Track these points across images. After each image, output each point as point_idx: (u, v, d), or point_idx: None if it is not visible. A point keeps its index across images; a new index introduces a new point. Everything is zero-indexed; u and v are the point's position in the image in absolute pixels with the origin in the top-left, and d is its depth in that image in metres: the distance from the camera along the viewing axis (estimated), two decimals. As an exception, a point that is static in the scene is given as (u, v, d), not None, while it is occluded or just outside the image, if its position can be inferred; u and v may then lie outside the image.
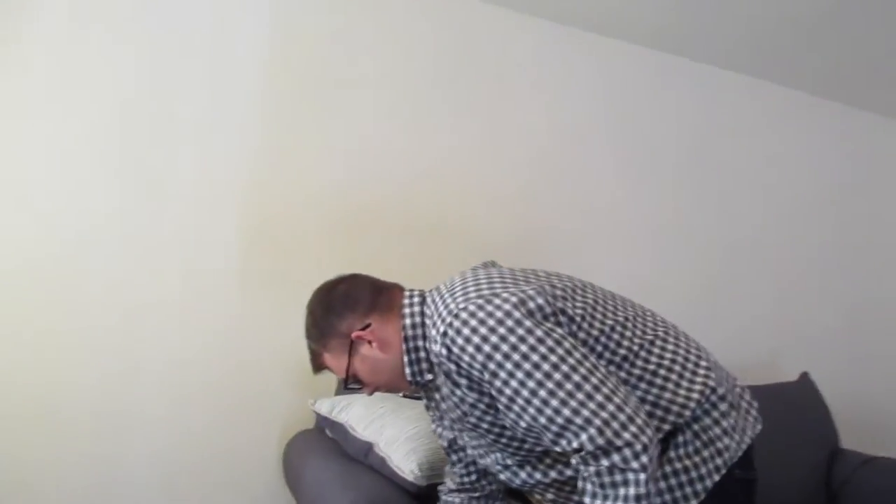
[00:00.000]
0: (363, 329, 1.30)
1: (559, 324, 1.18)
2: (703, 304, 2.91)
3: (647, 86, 2.91)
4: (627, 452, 1.08)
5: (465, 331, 1.14)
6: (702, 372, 1.28)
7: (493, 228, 2.62)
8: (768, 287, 3.04)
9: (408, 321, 1.30)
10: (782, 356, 3.00)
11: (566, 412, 1.10)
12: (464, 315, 1.16)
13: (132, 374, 2.22)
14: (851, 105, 3.21)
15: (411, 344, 1.29)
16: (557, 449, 1.14)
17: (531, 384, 1.12)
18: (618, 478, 1.08)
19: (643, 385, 1.24)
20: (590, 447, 1.09)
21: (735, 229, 3.01)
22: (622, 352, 1.25)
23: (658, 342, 1.29)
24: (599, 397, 1.10)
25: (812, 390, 2.72)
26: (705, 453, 1.25)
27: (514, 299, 1.16)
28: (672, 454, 1.24)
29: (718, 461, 1.25)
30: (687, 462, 1.24)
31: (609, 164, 2.83)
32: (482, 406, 1.23)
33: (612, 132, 2.84)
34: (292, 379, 2.32)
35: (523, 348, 1.12)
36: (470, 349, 1.14)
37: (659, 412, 1.23)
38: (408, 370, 1.30)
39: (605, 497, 1.09)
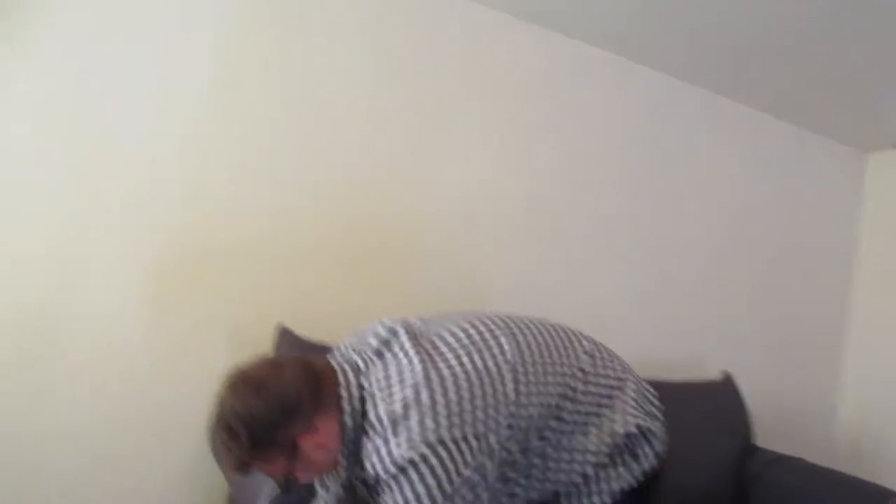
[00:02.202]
0: (310, 433, 1.20)
1: (482, 466, 1.17)
2: (638, 302, 3.00)
3: (601, 88, 2.96)
4: None
5: (402, 482, 1.13)
6: (630, 411, 1.34)
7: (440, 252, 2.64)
8: (700, 290, 3.15)
9: (349, 422, 1.21)
10: (709, 356, 3.11)
11: None
12: (405, 465, 1.13)
13: (56, 356, 2.18)
14: (799, 126, 3.32)
15: (351, 447, 1.22)
16: None
17: None
18: None
19: (566, 440, 1.29)
20: None
21: (673, 234, 3.10)
22: (552, 422, 1.28)
23: (580, 393, 1.31)
24: None
25: (733, 390, 2.84)
26: (627, 457, 1.35)
27: (454, 453, 1.14)
28: (595, 468, 1.30)
29: (640, 469, 1.35)
30: (612, 470, 1.33)
31: (554, 161, 2.87)
32: None
33: (558, 130, 2.88)
34: (221, 346, 2.31)
35: None
36: (398, 498, 1.14)
37: (589, 457, 1.30)
38: (344, 474, 1.27)
39: None
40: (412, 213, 2.58)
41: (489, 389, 1.22)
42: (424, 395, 1.17)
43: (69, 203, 2.16)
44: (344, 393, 1.21)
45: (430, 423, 1.14)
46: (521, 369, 1.26)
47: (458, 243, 2.66)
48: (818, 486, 2.53)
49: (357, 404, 1.21)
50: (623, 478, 1.32)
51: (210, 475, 2.30)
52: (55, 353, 2.17)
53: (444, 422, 1.15)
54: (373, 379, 1.23)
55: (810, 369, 3.41)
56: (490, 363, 1.25)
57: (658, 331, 3.02)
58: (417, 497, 1.12)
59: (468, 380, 1.21)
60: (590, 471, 1.29)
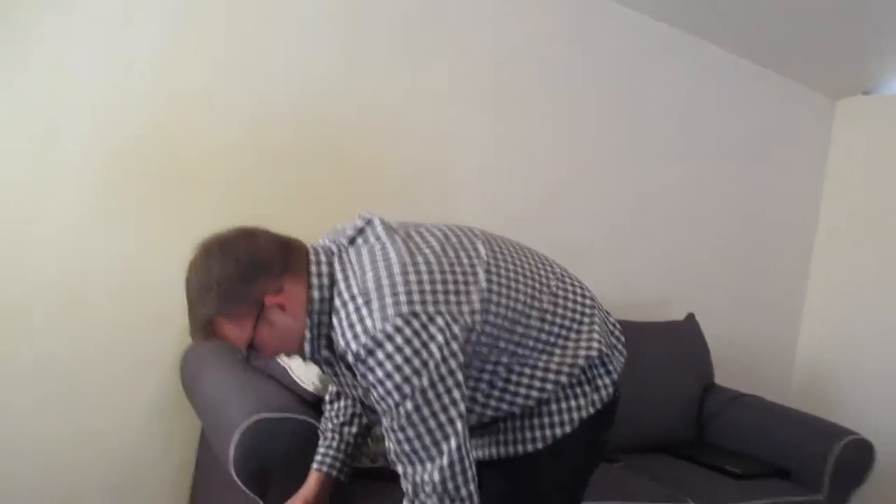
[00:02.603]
0: (276, 294, 1.20)
1: (454, 354, 1.16)
2: (607, 242, 3.03)
3: (574, 28, 2.91)
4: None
5: (379, 354, 1.12)
6: (595, 338, 1.34)
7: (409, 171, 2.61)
8: (669, 232, 3.18)
9: (316, 294, 1.21)
10: (674, 297, 3.17)
11: (425, 451, 1.16)
12: (379, 336, 1.13)
13: (23, 312, 2.13)
14: (772, 70, 3.31)
15: (316, 319, 1.21)
16: (399, 470, 1.20)
17: (412, 416, 1.15)
18: None
19: (535, 354, 1.30)
20: (426, 488, 1.16)
21: (645, 176, 3.11)
22: (520, 329, 1.28)
23: (549, 313, 1.31)
24: (454, 445, 1.15)
25: (696, 330, 2.90)
26: (586, 388, 1.35)
27: (427, 332, 1.13)
28: (555, 388, 1.31)
29: (595, 397, 1.36)
30: (569, 392, 1.33)
31: (529, 103, 2.84)
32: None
33: (532, 72, 2.84)
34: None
35: (420, 388, 1.13)
36: (377, 373, 1.13)
37: (551, 376, 1.30)
38: (308, 347, 1.24)
39: None
40: (387, 138, 2.55)
41: (461, 278, 1.22)
42: (397, 272, 1.17)
43: (35, 114, 2.08)
44: (314, 268, 1.21)
45: (402, 297, 1.14)
46: (493, 269, 1.26)
47: (432, 178, 2.65)
48: (774, 423, 2.62)
49: (326, 280, 1.21)
50: (580, 405, 1.33)
51: (182, 408, 2.30)
52: (17, 275, 2.13)
53: (416, 297, 1.15)
54: (345, 261, 1.23)
55: (771, 312, 3.50)
56: (464, 257, 1.25)
57: (626, 271, 3.07)
58: (398, 368, 1.12)
59: (440, 263, 1.22)
60: (548, 393, 1.30)
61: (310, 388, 1.79)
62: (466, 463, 1.17)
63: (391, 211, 1.46)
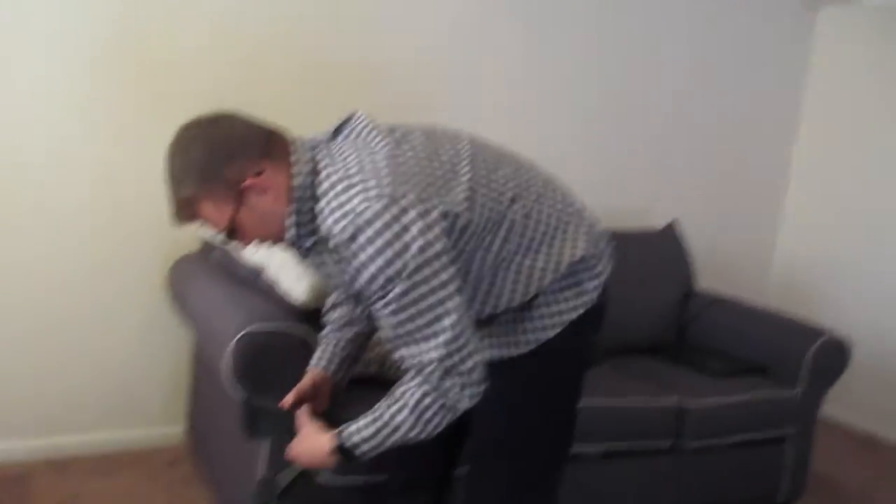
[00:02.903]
0: (256, 175, 1.17)
1: (438, 238, 1.16)
2: (589, 150, 3.02)
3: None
4: (459, 382, 1.18)
5: (361, 239, 1.11)
6: (581, 241, 1.34)
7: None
8: (650, 140, 3.18)
9: (298, 181, 1.18)
10: (655, 205, 3.20)
11: (424, 330, 1.16)
12: (366, 216, 1.11)
13: (10, 186, 2.10)
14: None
15: (298, 206, 1.19)
16: (403, 353, 1.20)
17: (402, 300, 1.14)
18: (439, 401, 1.19)
19: (518, 258, 1.30)
20: (431, 365, 1.17)
21: (626, 84, 3.07)
22: (505, 226, 1.27)
23: (535, 212, 1.31)
24: (456, 324, 1.16)
25: (677, 237, 2.94)
26: (569, 293, 1.35)
27: (413, 211, 1.12)
28: (539, 289, 1.32)
29: (580, 301, 1.36)
30: (552, 298, 1.34)
31: (508, 10, 2.76)
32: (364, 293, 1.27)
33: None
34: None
35: (407, 271, 1.12)
36: (362, 256, 1.12)
37: (535, 277, 1.31)
38: (292, 232, 1.21)
39: (413, 412, 1.20)
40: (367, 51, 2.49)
41: (443, 171, 1.21)
42: (381, 157, 1.17)
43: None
44: (294, 157, 1.19)
45: (385, 181, 1.13)
46: (477, 166, 1.26)
47: (414, 86, 2.60)
48: (752, 324, 2.70)
49: (308, 166, 1.19)
50: (565, 308, 1.34)
51: (173, 322, 2.33)
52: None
53: (399, 183, 1.14)
54: (329, 150, 1.22)
55: (752, 216, 3.54)
56: (447, 152, 1.25)
57: (607, 179, 3.07)
58: (380, 252, 1.11)
59: (424, 154, 1.22)
60: (531, 295, 1.31)
61: (297, 302, 1.81)
62: (466, 337, 1.17)
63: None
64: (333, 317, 1.52)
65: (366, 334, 1.53)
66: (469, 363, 1.18)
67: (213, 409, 2.11)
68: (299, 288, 1.80)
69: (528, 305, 1.33)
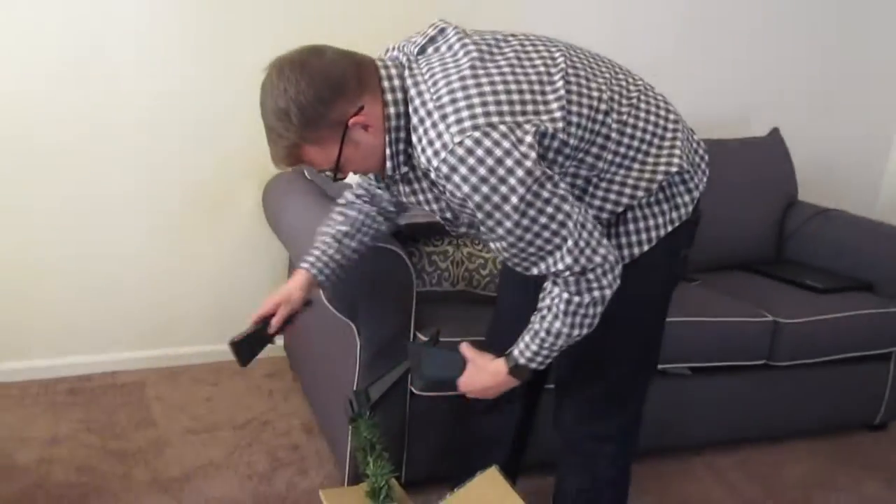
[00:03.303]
0: (357, 113, 1.15)
1: (547, 150, 1.15)
2: (687, 58, 2.85)
3: None
4: (599, 271, 1.19)
5: (462, 169, 1.09)
6: (677, 153, 1.29)
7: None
8: (750, 43, 2.96)
9: (392, 110, 1.17)
10: (755, 111, 3.01)
11: (546, 247, 1.16)
12: (460, 151, 1.09)
13: (101, 116, 2.19)
14: None
15: (394, 136, 1.18)
16: (533, 272, 1.22)
17: (516, 230, 1.14)
18: (586, 298, 1.21)
19: (614, 168, 1.26)
20: (565, 273, 1.18)
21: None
22: (599, 140, 1.23)
23: (629, 124, 1.26)
24: (574, 229, 1.15)
25: (780, 145, 2.78)
26: (665, 207, 1.31)
27: (511, 137, 1.10)
28: (634, 204, 1.28)
29: (674, 215, 1.32)
30: (647, 212, 1.30)
31: None
32: (462, 217, 1.26)
33: None
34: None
35: (514, 200, 1.10)
36: (465, 189, 1.11)
37: (627, 190, 1.27)
38: (389, 164, 1.21)
39: (566, 316, 1.22)
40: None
41: (538, 86, 1.17)
42: (471, 82, 1.13)
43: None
44: (386, 83, 1.16)
45: (478, 109, 1.10)
46: (571, 76, 1.21)
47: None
48: (858, 236, 2.55)
49: (400, 95, 1.16)
50: (658, 224, 1.30)
51: (269, 239, 2.41)
52: (94, 121, 2.19)
53: (493, 108, 1.11)
54: (416, 72, 1.18)
55: (861, 124, 3.28)
56: (540, 63, 1.20)
57: (706, 87, 2.91)
58: (484, 180, 1.09)
59: (516, 70, 1.17)
60: (623, 207, 1.27)
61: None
62: (587, 236, 1.17)
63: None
64: (346, 217, 1.48)
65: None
66: (599, 256, 1.18)
67: (308, 323, 2.19)
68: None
69: (619, 220, 1.30)
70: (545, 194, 1.12)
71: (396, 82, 1.18)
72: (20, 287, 2.23)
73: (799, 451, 2.29)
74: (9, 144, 2.12)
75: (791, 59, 3.04)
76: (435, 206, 1.28)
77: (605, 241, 1.20)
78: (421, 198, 1.28)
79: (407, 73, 1.19)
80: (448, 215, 1.28)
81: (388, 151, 1.19)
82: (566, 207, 1.15)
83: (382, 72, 1.18)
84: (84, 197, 2.23)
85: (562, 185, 1.15)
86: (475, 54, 1.18)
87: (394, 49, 1.29)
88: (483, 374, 1.33)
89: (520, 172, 1.09)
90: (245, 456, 1.98)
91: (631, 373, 1.45)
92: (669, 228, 1.32)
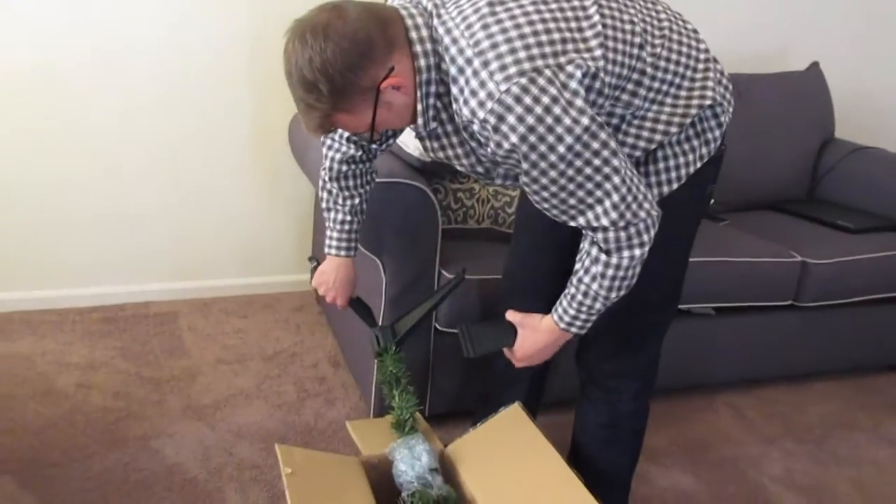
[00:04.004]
0: (388, 75, 1.09)
1: (597, 92, 1.12)
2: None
3: None
4: (641, 226, 1.17)
5: (510, 118, 1.05)
6: (710, 86, 1.25)
7: None
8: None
9: (423, 62, 1.11)
10: (794, 45, 2.91)
11: (588, 199, 1.14)
12: (508, 100, 1.04)
13: (126, 46, 2.18)
14: None
15: (425, 90, 1.13)
16: (572, 224, 1.20)
17: (560, 179, 1.11)
18: (625, 258, 1.20)
19: (647, 104, 1.22)
20: (608, 228, 1.16)
21: None
22: (635, 76, 1.19)
23: (663, 58, 1.21)
24: (621, 179, 1.13)
25: (819, 80, 2.69)
26: (695, 143, 1.28)
27: (557, 82, 1.05)
28: (665, 143, 1.26)
29: (704, 150, 1.30)
30: (677, 149, 1.28)
31: None
32: (498, 169, 1.23)
33: None
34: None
35: (561, 149, 1.07)
36: (512, 138, 1.07)
37: (661, 126, 1.24)
38: (421, 120, 1.17)
39: (604, 279, 1.22)
40: None
41: (573, 23, 1.12)
42: (509, 25, 1.07)
43: None
44: (414, 34, 1.11)
45: (522, 53, 1.05)
46: (605, 7, 1.16)
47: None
48: (894, 174, 2.49)
49: (429, 45, 1.11)
50: (688, 161, 1.28)
51: (297, 176, 2.42)
52: (123, 75, 2.19)
53: (535, 51, 1.06)
54: (446, 18, 1.12)
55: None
56: None
57: (744, 19, 2.80)
58: (531, 129, 1.06)
59: (551, 5, 1.13)
60: (655, 144, 1.24)
61: (415, 153, 1.82)
62: (633, 190, 1.15)
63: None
64: (355, 173, 1.49)
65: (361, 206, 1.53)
66: (643, 211, 1.17)
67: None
68: (413, 144, 1.81)
69: (648, 158, 1.27)
70: (595, 144, 1.09)
71: (424, 32, 1.12)
72: (59, 218, 2.27)
73: (820, 391, 2.30)
74: (36, 81, 2.12)
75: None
76: (465, 162, 1.25)
77: (648, 195, 1.18)
78: (450, 153, 1.25)
79: (436, 20, 1.13)
80: (480, 169, 1.26)
81: (419, 107, 1.15)
82: (614, 162, 1.12)
83: (409, 21, 1.12)
84: (114, 131, 2.24)
85: (608, 139, 1.11)
86: (516, 10, 1.11)
87: None
88: (537, 334, 1.34)
89: (567, 121, 1.06)
90: (274, 386, 2.04)
91: (655, 311, 1.46)
92: (699, 165, 1.29)
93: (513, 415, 1.41)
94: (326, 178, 1.49)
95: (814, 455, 1.99)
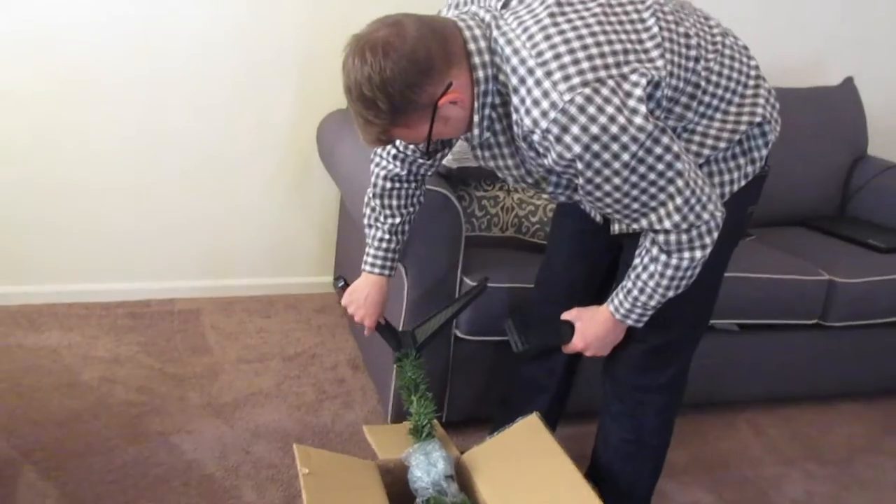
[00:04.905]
0: (446, 91, 1.10)
1: (657, 103, 1.11)
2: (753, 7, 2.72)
3: None
4: (703, 229, 1.18)
5: (574, 129, 1.05)
6: (760, 101, 1.25)
7: None
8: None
9: (480, 73, 1.12)
10: (829, 58, 2.87)
11: (652, 203, 1.14)
12: (572, 110, 1.04)
13: (161, 50, 2.21)
14: None
15: (482, 101, 1.14)
16: (635, 226, 1.21)
17: (624, 185, 1.12)
18: (685, 259, 1.21)
19: (697, 118, 1.22)
20: (670, 231, 1.17)
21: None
22: (689, 89, 1.19)
23: (715, 72, 1.21)
24: (686, 182, 1.13)
25: (853, 96, 2.65)
26: (741, 161, 1.28)
27: (621, 92, 1.05)
28: (711, 159, 1.25)
29: (749, 169, 1.29)
30: (723, 166, 1.27)
31: None
32: (556, 179, 1.23)
33: None
34: (331, 58, 2.29)
35: (625, 157, 1.08)
36: (576, 149, 1.07)
37: (709, 141, 1.23)
38: (477, 131, 1.18)
39: (662, 278, 1.23)
40: None
41: (633, 35, 1.12)
42: (572, 35, 1.08)
43: None
44: (472, 46, 1.11)
45: (585, 64, 1.05)
46: (661, 20, 1.16)
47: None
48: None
49: (487, 57, 1.12)
50: (733, 179, 1.27)
51: (322, 178, 2.44)
52: (159, 65, 2.22)
53: (598, 61, 1.06)
54: (506, 29, 1.12)
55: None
56: (631, 8, 1.16)
57: (779, 32, 2.77)
58: (595, 139, 1.06)
59: (611, 16, 1.13)
60: (703, 159, 1.24)
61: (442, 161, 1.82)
62: (697, 193, 1.15)
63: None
64: (398, 196, 1.49)
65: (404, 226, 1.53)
66: (707, 213, 1.17)
67: (357, 261, 2.22)
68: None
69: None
70: (658, 150, 1.09)
71: (483, 44, 1.12)
72: (88, 215, 2.31)
73: (846, 413, 2.26)
74: (72, 83, 2.16)
75: (869, 4, 2.86)
76: (515, 173, 1.25)
77: (714, 197, 1.17)
78: (501, 163, 1.26)
79: (495, 31, 1.13)
80: (529, 180, 1.26)
81: (475, 118, 1.16)
82: (678, 165, 1.12)
83: (466, 33, 1.12)
84: (145, 132, 2.27)
85: (673, 143, 1.11)
86: (566, 4, 1.12)
87: (471, 2, 1.22)
88: (596, 324, 1.36)
89: (632, 130, 1.06)
90: (294, 387, 2.05)
91: (685, 327, 1.45)
92: (743, 183, 1.29)
93: (531, 425, 1.41)
94: (371, 195, 1.50)
95: (836, 478, 1.95)
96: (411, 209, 1.51)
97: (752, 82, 1.26)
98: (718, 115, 1.23)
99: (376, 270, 1.54)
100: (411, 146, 1.39)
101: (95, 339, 2.17)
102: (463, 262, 1.75)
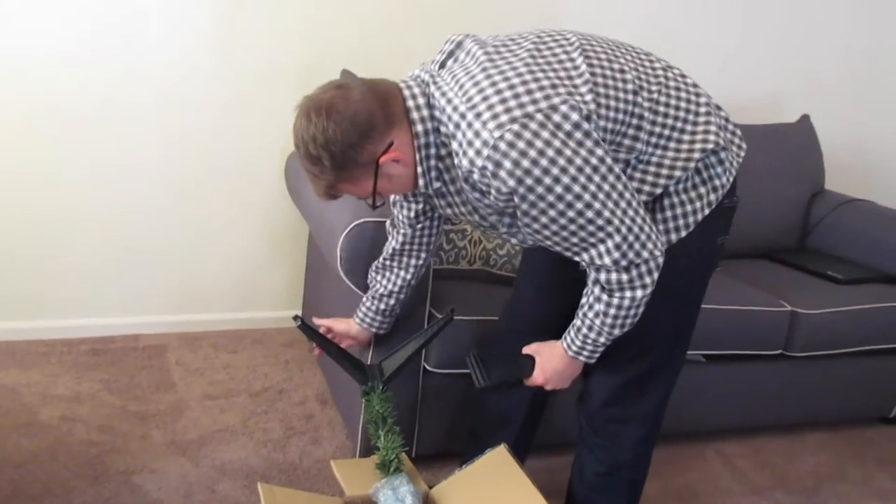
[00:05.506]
0: (387, 150, 1.17)
1: (587, 134, 1.13)
2: (711, 41, 2.80)
3: None
4: (643, 269, 1.20)
5: (507, 164, 1.09)
6: (713, 129, 1.27)
7: None
8: (775, 27, 2.90)
9: (420, 128, 1.18)
10: (786, 97, 2.96)
11: (590, 238, 1.17)
12: (502, 146, 1.08)
13: (130, 84, 2.21)
14: None
15: (423, 153, 1.20)
16: (577, 260, 1.23)
17: (560, 219, 1.14)
18: (626, 298, 1.22)
19: (650, 149, 1.25)
20: (610, 265, 1.19)
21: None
22: (634, 121, 1.22)
23: (661, 102, 1.25)
24: (624, 218, 1.15)
25: (809, 133, 2.74)
26: (702, 190, 1.30)
27: (550, 125, 1.09)
28: (671, 190, 1.27)
29: (712, 197, 1.31)
30: (684, 197, 1.29)
31: None
32: (508, 219, 1.26)
33: None
34: (298, 95, 2.30)
35: (558, 189, 1.11)
36: (510, 183, 1.10)
37: (664, 171, 1.25)
38: (422, 181, 1.23)
39: (605, 317, 1.25)
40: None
41: (562, 73, 1.17)
42: (498, 78, 1.13)
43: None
44: (411, 103, 1.18)
45: (512, 102, 1.10)
46: (593, 58, 1.21)
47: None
48: (884, 228, 2.51)
49: (426, 112, 1.18)
50: (696, 208, 1.28)
51: (290, 212, 2.43)
52: (133, 98, 2.22)
53: (525, 98, 1.10)
54: (441, 84, 1.19)
55: (892, 115, 3.22)
56: (560, 50, 1.21)
57: (737, 71, 2.86)
58: (528, 172, 1.09)
59: (538, 59, 1.18)
60: (661, 188, 1.26)
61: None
62: (637, 227, 1.17)
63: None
64: (394, 272, 1.56)
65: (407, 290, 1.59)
66: (646, 252, 1.19)
67: (326, 296, 2.22)
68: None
69: (655, 205, 1.28)
70: (592, 187, 1.12)
71: (421, 100, 1.19)
72: (49, 249, 2.27)
73: (811, 442, 2.29)
74: (41, 114, 2.15)
75: (824, 44, 2.97)
76: (471, 218, 1.30)
77: (654, 237, 1.19)
78: (456, 210, 1.30)
79: (432, 88, 1.20)
80: (485, 223, 1.29)
81: (419, 170, 1.21)
82: (615, 200, 1.14)
83: (406, 92, 1.20)
84: (111, 166, 2.26)
85: (613, 172, 1.14)
86: (495, 54, 1.18)
87: (415, 71, 1.29)
88: (554, 360, 1.36)
89: (562, 161, 1.09)
90: (260, 423, 2.02)
91: (662, 360, 1.45)
92: (707, 211, 1.30)
93: (499, 457, 1.40)
94: (385, 260, 1.57)
95: (804, 507, 1.97)
96: (410, 280, 1.57)
97: (703, 109, 1.28)
98: (672, 145, 1.25)
99: (365, 324, 1.63)
100: (413, 209, 1.46)
101: (56, 377, 2.12)
102: (431, 295, 1.75)
